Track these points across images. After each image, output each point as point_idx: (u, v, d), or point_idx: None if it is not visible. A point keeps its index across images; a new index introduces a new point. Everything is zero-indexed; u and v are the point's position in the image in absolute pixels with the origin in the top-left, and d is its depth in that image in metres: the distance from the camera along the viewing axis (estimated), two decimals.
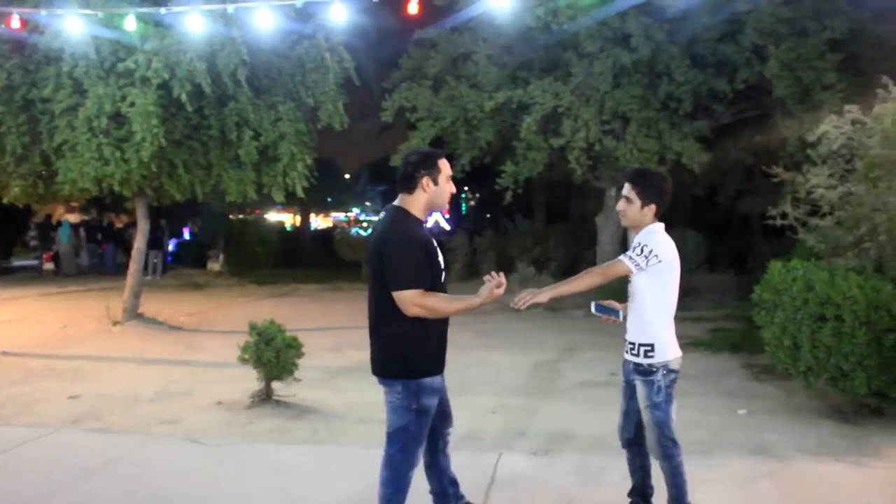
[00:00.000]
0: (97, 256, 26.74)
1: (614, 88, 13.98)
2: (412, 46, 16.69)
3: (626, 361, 4.47)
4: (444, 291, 4.14)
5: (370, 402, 7.78)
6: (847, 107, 7.90)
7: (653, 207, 4.38)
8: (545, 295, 4.12)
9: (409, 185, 4.13)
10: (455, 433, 6.78)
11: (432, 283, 4.02)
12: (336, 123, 13.02)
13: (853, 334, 6.61)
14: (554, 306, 14.84)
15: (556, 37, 14.19)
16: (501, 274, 4.03)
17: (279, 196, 13.42)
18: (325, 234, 37.62)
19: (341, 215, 50.30)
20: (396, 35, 18.23)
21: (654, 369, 4.29)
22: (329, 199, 43.49)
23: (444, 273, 4.20)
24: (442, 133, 15.70)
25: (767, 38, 13.07)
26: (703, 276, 17.50)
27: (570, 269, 19.50)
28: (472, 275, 22.85)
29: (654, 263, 4.24)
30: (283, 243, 30.47)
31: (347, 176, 48.96)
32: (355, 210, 52.98)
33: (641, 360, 4.32)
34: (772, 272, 7.52)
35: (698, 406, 7.55)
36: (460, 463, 5.99)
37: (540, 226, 26.79)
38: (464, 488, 4.91)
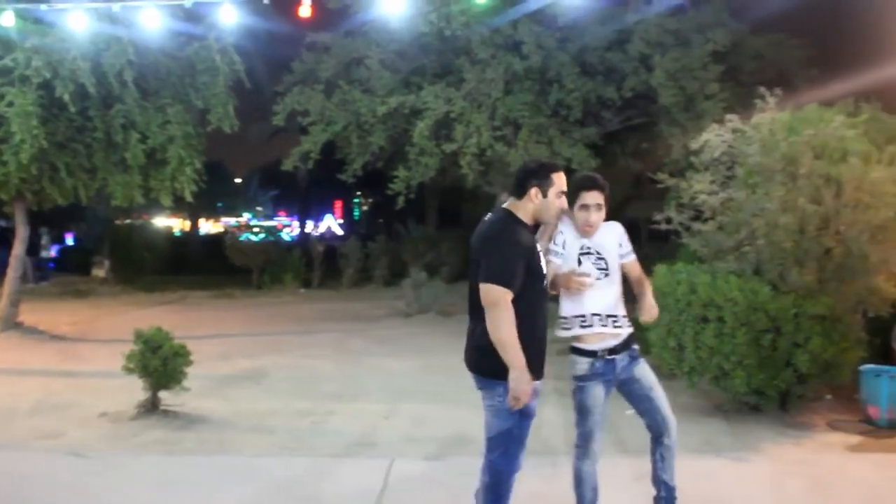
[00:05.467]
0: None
1: (506, 95, 14.13)
2: (305, 50, 16.54)
3: (617, 349, 4.63)
4: (545, 296, 4.12)
5: (260, 410, 7.69)
6: (728, 116, 8.17)
7: None
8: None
9: (519, 192, 4.13)
10: (347, 439, 6.83)
11: (532, 286, 3.97)
12: (226, 126, 12.81)
13: (734, 335, 6.87)
14: (446, 311, 14.96)
15: (449, 43, 14.30)
16: (533, 384, 3.90)
17: (167, 201, 13.11)
18: (216, 240, 36.85)
19: (232, 220, 49.37)
20: (289, 38, 18.00)
21: None
22: (219, 204, 42.68)
23: (545, 278, 4.13)
24: (334, 138, 15.59)
25: (654, 48, 13.46)
26: None
27: (462, 274, 19.64)
28: (364, 280, 22.83)
29: None
30: (172, 249, 29.78)
31: (238, 180, 48.20)
32: (246, 215, 52.08)
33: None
34: (657, 275, 7.73)
35: None
36: (352, 470, 5.99)
37: (432, 231, 26.92)
38: (356, 495, 4.85)
